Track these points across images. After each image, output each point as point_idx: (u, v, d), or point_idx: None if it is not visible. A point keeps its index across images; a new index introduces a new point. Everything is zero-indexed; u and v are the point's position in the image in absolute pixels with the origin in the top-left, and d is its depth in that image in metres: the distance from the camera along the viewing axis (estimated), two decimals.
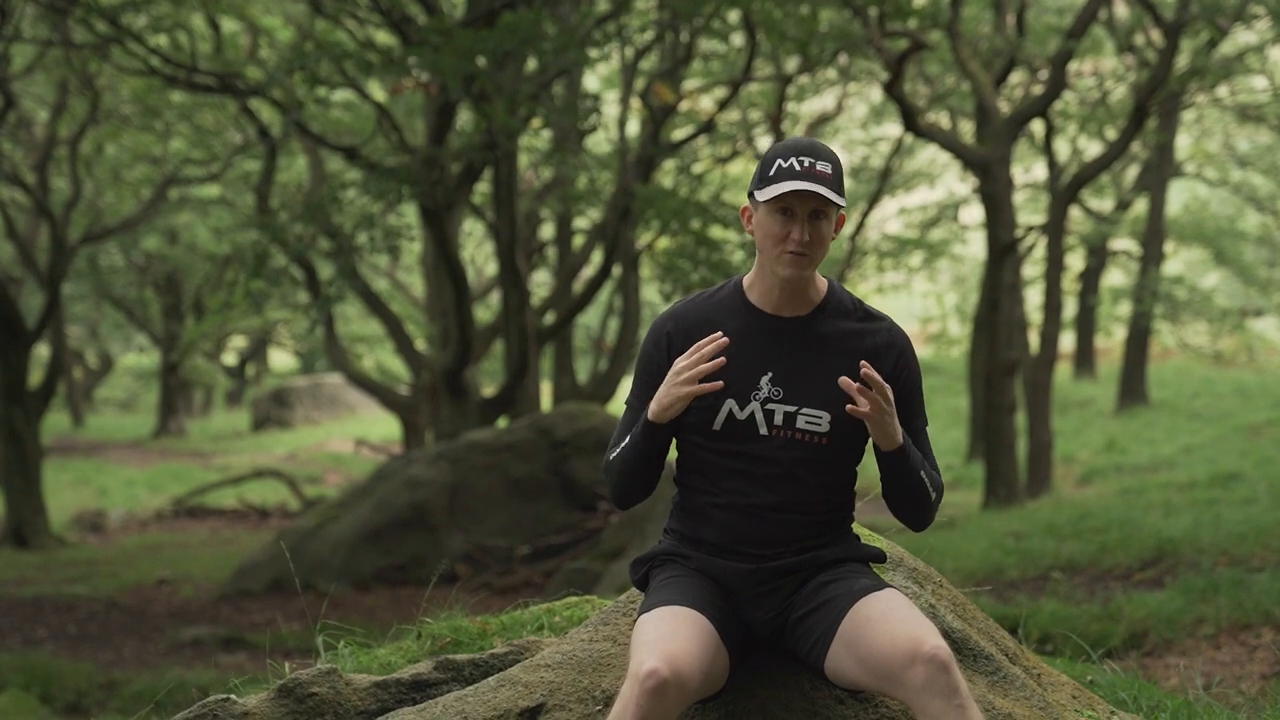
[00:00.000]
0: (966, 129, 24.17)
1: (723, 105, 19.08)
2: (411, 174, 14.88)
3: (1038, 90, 20.44)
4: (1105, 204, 27.72)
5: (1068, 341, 30.67)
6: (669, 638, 3.09)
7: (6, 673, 11.23)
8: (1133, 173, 26.78)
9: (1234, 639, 8.54)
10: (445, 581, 12.43)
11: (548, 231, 24.25)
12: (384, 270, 30.20)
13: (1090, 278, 28.06)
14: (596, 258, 20.11)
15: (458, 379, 16.88)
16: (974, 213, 29.17)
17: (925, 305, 33.39)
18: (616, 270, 19.94)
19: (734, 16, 17.04)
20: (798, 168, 3.23)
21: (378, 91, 18.92)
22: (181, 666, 11.47)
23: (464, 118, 18.39)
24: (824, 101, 26.75)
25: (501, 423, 17.28)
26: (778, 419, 3.28)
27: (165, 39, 18.38)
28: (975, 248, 31.53)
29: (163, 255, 31.35)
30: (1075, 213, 25.86)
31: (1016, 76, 22.24)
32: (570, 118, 16.32)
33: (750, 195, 3.33)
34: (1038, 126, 21.77)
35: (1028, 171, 28.96)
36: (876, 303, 26.37)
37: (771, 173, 3.26)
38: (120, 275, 33.36)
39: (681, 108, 20.09)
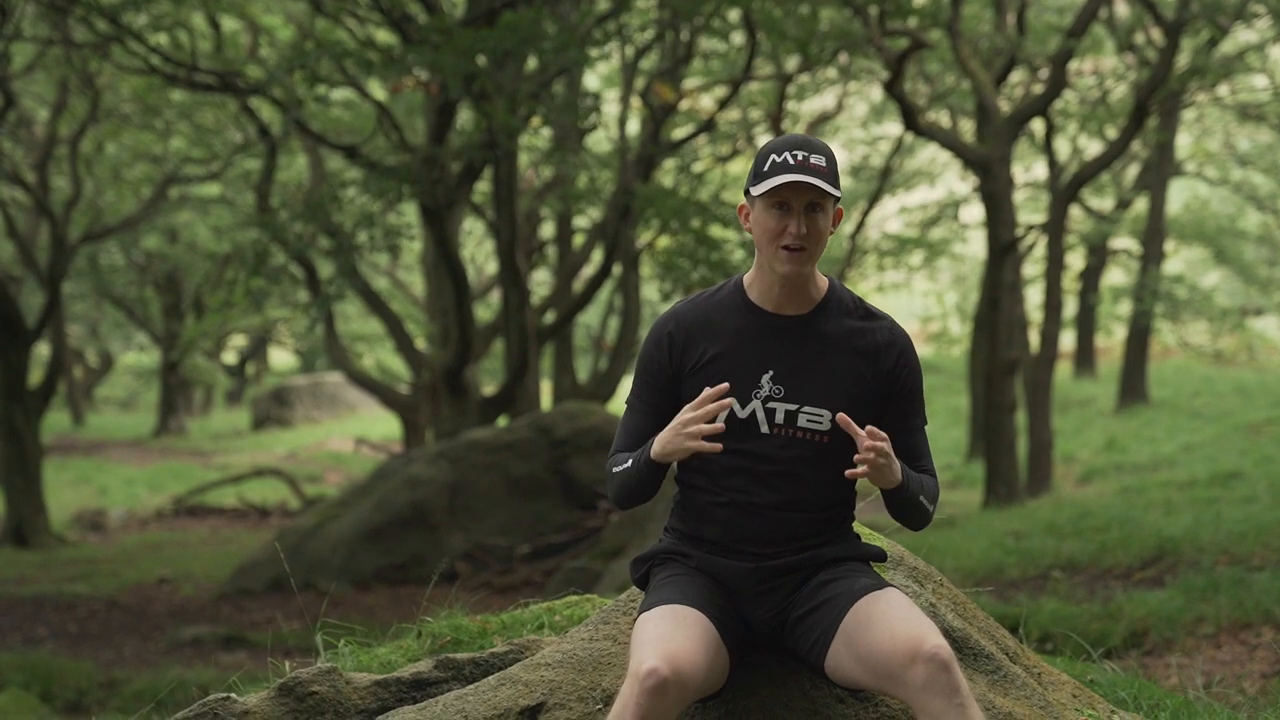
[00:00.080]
0: (967, 128, 24.15)
1: (723, 104, 19.06)
2: (412, 173, 14.88)
3: (1038, 89, 20.43)
4: (1105, 203, 27.69)
5: (1068, 340, 30.64)
6: (669, 637, 3.08)
7: (7, 671, 11.22)
8: (1133, 172, 26.75)
9: (1234, 638, 8.53)
10: (445, 580, 12.44)
11: (548, 230, 24.23)
12: (384, 269, 30.20)
13: (1090, 277, 28.03)
14: (597, 257, 20.09)
15: (458, 378, 16.88)
16: (974, 212, 29.17)
17: (925, 304, 33.35)
18: (617, 269, 19.93)
19: (734, 15, 17.01)
20: (791, 161, 3.23)
21: (378, 90, 18.91)
22: (182, 665, 11.47)
23: (464, 117, 18.38)
24: (824, 100, 26.73)
25: (502, 422, 17.26)
26: (779, 417, 3.28)
27: (165, 38, 18.38)
28: (975, 247, 31.50)
29: (163, 254, 31.34)
30: (1075, 212, 25.84)
31: (1017, 75, 22.22)
32: (570, 117, 16.32)
33: (746, 193, 3.33)
34: (1038, 125, 21.75)
35: (1028, 170, 28.94)
36: (877, 302, 26.29)
37: (766, 168, 3.26)
38: (120, 274, 33.34)
39: (682, 107, 20.09)
